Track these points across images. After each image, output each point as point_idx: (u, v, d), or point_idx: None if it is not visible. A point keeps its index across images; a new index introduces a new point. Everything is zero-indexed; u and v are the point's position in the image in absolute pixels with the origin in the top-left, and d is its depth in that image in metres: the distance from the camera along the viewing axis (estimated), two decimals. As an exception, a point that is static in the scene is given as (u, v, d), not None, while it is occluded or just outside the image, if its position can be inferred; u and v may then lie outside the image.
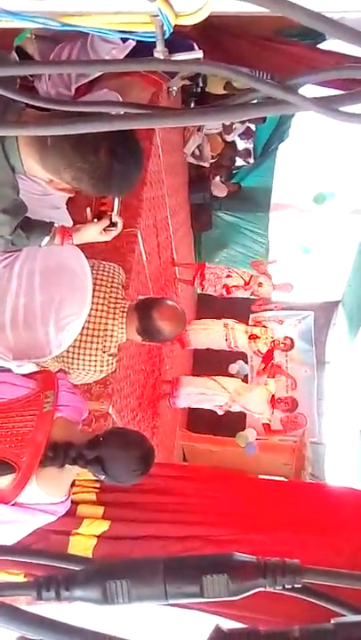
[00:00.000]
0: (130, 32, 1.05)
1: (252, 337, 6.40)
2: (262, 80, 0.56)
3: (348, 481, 7.05)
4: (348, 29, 0.64)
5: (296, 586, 0.43)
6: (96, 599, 0.42)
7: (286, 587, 0.43)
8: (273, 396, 6.18)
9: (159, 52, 0.82)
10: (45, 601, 0.43)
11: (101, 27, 1.14)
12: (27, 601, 1.82)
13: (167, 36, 0.84)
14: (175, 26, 0.80)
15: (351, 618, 0.42)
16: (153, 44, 0.82)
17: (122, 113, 0.71)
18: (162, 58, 0.74)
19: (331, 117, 0.58)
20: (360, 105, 0.70)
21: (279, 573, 0.43)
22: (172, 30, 1.00)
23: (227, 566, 0.43)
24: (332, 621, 0.40)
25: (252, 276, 6.64)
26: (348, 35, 0.62)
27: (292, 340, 6.68)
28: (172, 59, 0.72)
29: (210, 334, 6.38)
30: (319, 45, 3.82)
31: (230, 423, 6.44)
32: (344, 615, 0.44)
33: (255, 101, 0.72)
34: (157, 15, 0.79)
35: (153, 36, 0.83)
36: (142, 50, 0.86)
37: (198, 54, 0.81)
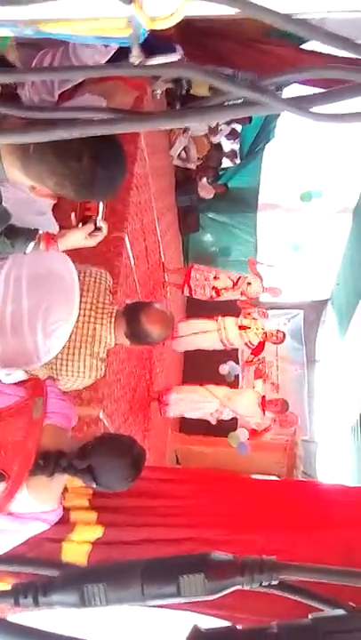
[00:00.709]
0: (107, 37, 1.05)
1: (243, 327, 6.40)
2: (234, 81, 0.56)
3: (340, 478, 7.09)
4: (321, 30, 0.64)
5: (273, 583, 0.43)
6: (74, 603, 0.42)
7: (264, 584, 0.43)
8: (263, 397, 6.21)
9: (135, 56, 0.82)
10: (23, 608, 0.43)
11: (78, 33, 1.14)
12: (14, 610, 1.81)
13: (141, 40, 0.85)
14: (157, 30, 0.80)
15: (329, 612, 0.42)
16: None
17: (101, 118, 0.72)
18: (136, 62, 0.74)
19: (303, 117, 0.59)
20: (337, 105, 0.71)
21: (257, 571, 0.43)
22: (147, 34, 1.01)
23: (203, 566, 0.43)
24: (310, 616, 0.40)
25: (240, 276, 6.66)
26: (322, 35, 0.62)
27: (283, 333, 6.66)
28: (146, 63, 0.73)
29: (203, 338, 6.42)
30: (304, 45, 3.85)
31: (222, 424, 6.45)
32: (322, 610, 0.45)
33: (237, 102, 0.73)
34: (132, 20, 0.79)
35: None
36: (126, 53, 0.87)
37: (174, 57, 0.82)
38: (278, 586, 0.44)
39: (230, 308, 6.90)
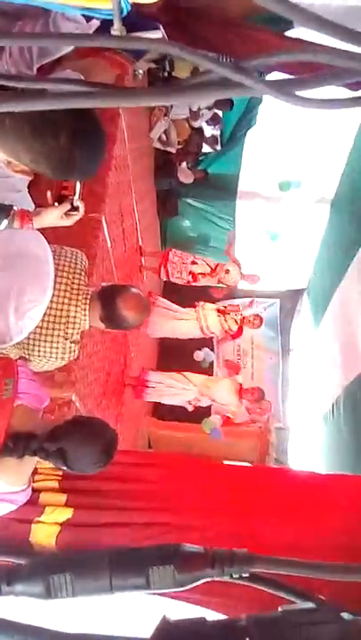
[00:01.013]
0: (91, 8, 1.02)
1: (222, 312, 6.43)
2: (215, 60, 0.54)
3: (311, 465, 7.22)
4: (312, 15, 0.63)
5: (244, 575, 0.43)
6: (39, 594, 0.41)
7: (234, 576, 0.43)
8: (241, 385, 6.26)
9: (116, 30, 0.80)
10: (-14, 597, 0.42)
11: (62, 2, 1.10)
12: None
13: (124, 13, 0.82)
14: (143, 9, 0.78)
15: (299, 605, 0.42)
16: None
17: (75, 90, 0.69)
18: (117, 35, 0.72)
19: (286, 101, 0.57)
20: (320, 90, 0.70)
21: (227, 563, 0.42)
22: (129, 9, 0.98)
23: (173, 557, 0.42)
24: (280, 609, 0.40)
25: (218, 264, 6.65)
26: (312, 21, 0.61)
27: (261, 318, 6.71)
28: (125, 35, 0.70)
29: (181, 325, 6.41)
30: (288, 33, 3.82)
31: (196, 410, 6.49)
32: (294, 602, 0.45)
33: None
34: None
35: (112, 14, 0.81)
36: (109, 31, 0.84)
37: (155, 35, 0.80)
38: (249, 578, 0.44)
39: (207, 295, 6.92)
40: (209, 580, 0.43)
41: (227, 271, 6.53)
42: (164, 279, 6.86)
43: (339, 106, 0.58)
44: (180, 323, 6.40)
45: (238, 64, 0.55)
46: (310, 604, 0.41)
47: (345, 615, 0.39)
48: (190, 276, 6.54)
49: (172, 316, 6.47)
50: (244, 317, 6.50)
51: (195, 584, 0.43)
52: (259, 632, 0.37)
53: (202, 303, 6.48)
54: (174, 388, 6.08)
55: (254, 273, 6.76)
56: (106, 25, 0.86)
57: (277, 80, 0.58)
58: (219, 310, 6.44)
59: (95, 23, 1.82)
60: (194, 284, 6.62)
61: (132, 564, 0.42)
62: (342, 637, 0.38)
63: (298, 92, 0.57)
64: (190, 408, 6.21)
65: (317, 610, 0.40)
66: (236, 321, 6.45)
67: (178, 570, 0.41)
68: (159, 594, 0.42)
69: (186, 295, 7.10)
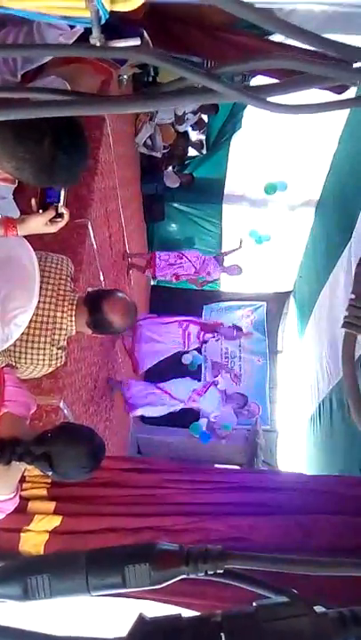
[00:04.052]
0: (71, 17, 1.02)
1: (203, 329, 6.54)
2: (188, 67, 0.55)
3: (299, 467, 7.25)
4: (281, 21, 0.64)
5: (219, 571, 0.43)
6: (16, 596, 0.41)
7: (209, 573, 0.43)
8: (225, 392, 6.30)
9: (95, 38, 0.81)
10: None
11: (41, 10, 1.10)
12: None
13: (102, 21, 0.83)
14: (124, 14, 0.78)
15: (273, 599, 0.43)
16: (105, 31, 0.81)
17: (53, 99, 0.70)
18: (96, 45, 0.73)
19: (259, 107, 0.58)
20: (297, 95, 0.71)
21: (201, 560, 0.43)
22: (108, 17, 0.98)
23: (149, 556, 0.43)
24: (254, 604, 0.41)
25: (204, 260, 6.77)
26: (282, 26, 0.62)
27: (239, 330, 6.81)
28: (104, 45, 0.71)
29: (162, 347, 6.49)
30: (272, 37, 3.85)
31: (184, 414, 6.50)
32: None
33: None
34: (92, 0, 0.78)
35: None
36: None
37: (134, 42, 0.80)
38: (224, 574, 0.44)
39: (193, 303, 7.01)
40: (185, 577, 0.43)
41: (208, 273, 6.79)
42: (152, 281, 6.96)
43: (309, 111, 0.59)
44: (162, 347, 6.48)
45: (210, 71, 0.56)
46: (284, 599, 0.42)
47: (318, 609, 0.40)
48: (173, 278, 6.69)
49: (156, 346, 6.54)
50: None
51: (170, 581, 0.43)
52: (233, 627, 0.38)
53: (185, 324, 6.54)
54: (158, 404, 6.13)
55: (234, 264, 6.88)
56: (90, 31, 0.87)
57: (249, 86, 0.59)
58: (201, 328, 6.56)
59: (79, 29, 1.83)
60: (175, 282, 6.80)
61: (107, 563, 0.43)
62: (315, 630, 0.39)
63: (269, 98, 0.58)
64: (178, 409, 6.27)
65: (291, 604, 0.41)
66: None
67: (153, 567, 0.42)
68: (137, 596, 0.42)
69: (173, 299, 7.13)
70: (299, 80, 0.60)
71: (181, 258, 6.75)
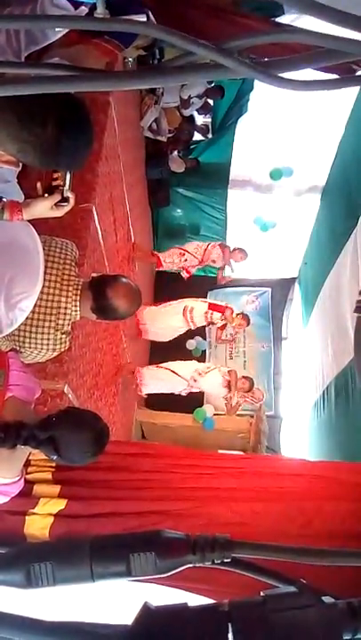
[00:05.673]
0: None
1: (211, 308, 6.57)
2: (197, 42, 0.53)
3: (302, 453, 7.27)
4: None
5: (226, 560, 0.43)
6: (19, 583, 0.41)
7: (216, 561, 0.43)
8: (230, 375, 6.30)
9: (100, 13, 0.79)
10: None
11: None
12: None
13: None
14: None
15: (281, 589, 0.42)
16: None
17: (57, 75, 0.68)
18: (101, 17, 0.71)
19: (268, 83, 0.56)
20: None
21: (208, 549, 0.42)
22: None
23: (154, 544, 0.42)
24: (262, 593, 0.40)
25: (205, 249, 6.76)
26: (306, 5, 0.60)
27: (247, 318, 6.79)
28: (108, 17, 0.69)
29: (168, 328, 6.52)
30: (278, 19, 3.79)
31: (188, 400, 6.51)
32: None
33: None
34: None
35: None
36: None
37: (140, 18, 0.79)
38: (231, 563, 0.44)
39: (198, 288, 7.02)
40: (191, 566, 0.43)
41: (213, 261, 6.87)
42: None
43: (320, 87, 0.57)
44: (165, 319, 6.50)
45: (220, 46, 0.54)
46: (292, 589, 0.41)
47: (326, 599, 0.40)
48: (184, 272, 6.82)
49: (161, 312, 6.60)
50: (225, 324, 6.66)
51: (176, 570, 0.43)
52: (241, 617, 0.37)
53: (189, 305, 6.57)
54: (165, 381, 6.17)
55: (239, 247, 6.86)
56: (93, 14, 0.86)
57: (259, 61, 0.57)
58: (209, 306, 6.59)
59: (83, 10, 1.81)
60: (188, 276, 6.89)
61: (112, 551, 0.42)
62: (323, 621, 0.38)
63: (280, 74, 0.56)
64: (184, 393, 6.30)
65: (299, 594, 0.40)
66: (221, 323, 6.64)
67: (159, 556, 0.41)
68: (142, 581, 0.42)
69: (178, 285, 7.12)
70: (312, 56, 0.57)
71: (183, 255, 6.78)
